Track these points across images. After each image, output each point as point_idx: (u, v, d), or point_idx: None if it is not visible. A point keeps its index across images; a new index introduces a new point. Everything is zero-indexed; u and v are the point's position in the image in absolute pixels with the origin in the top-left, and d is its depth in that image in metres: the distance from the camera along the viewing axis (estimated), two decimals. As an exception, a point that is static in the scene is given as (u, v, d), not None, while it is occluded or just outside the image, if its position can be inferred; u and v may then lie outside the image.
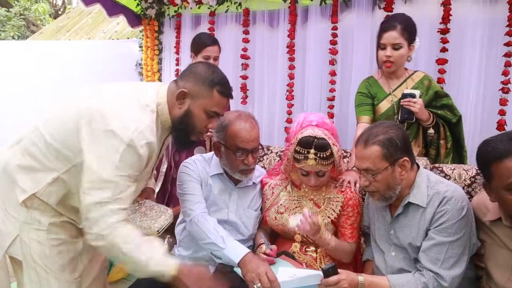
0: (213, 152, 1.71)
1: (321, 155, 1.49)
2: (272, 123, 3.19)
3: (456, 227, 1.30)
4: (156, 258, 1.21)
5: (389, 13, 2.58)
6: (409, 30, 1.86)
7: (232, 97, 1.41)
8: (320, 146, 1.49)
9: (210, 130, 1.41)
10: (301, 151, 1.50)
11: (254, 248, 1.74)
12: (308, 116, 1.59)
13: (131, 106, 1.25)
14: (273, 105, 3.17)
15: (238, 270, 1.46)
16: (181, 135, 1.37)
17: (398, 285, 1.31)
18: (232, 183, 1.71)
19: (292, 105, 3.03)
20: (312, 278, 1.35)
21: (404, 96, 1.86)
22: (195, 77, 1.30)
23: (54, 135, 1.25)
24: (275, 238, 1.76)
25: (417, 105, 1.82)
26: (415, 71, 2.01)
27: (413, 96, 1.84)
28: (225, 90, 1.34)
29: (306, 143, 1.50)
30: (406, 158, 1.35)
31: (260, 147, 1.65)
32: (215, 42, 2.40)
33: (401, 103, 1.88)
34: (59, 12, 11.26)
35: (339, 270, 1.30)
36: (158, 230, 1.41)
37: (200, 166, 1.71)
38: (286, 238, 1.69)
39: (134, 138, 1.18)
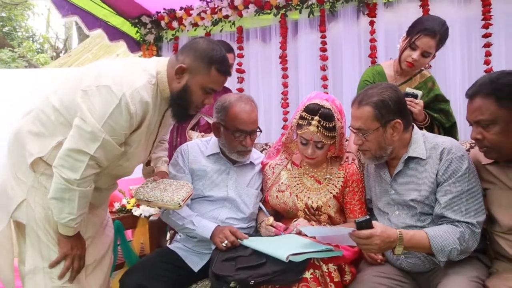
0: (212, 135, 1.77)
1: (324, 124, 1.52)
2: (269, 134, 3.24)
3: (468, 174, 1.33)
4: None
5: (373, 19, 2.79)
6: (443, 41, 1.85)
7: (230, 75, 1.47)
8: (325, 115, 1.52)
9: None
10: (305, 116, 1.54)
11: (257, 227, 1.74)
12: (320, 94, 1.63)
13: (130, 68, 1.32)
14: (269, 116, 3.24)
15: (245, 242, 1.48)
16: (179, 109, 1.42)
17: (437, 236, 1.28)
18: (229, 162, 1.74)
19: (288, 112, 3.13)
20: (342, 231, 1.32)
21: (406, 94, 1.82)
22: (194, 53, 1.36)
23: (63, 101, 1.31)
24: (279, 220, 1.75)
25: (418, 106, 1.81)
26: (421, 70, 2.01)
27: (415, 96, 1.82)
28: (223, 68, 1.39)
29: (312, 109, 1.53)
30: (398, 120, 1.39)
31: (258, 129, 1.70)
32: (230, 50, 2.46)
33: None
34: (60, 55, 11.72)
35: (374, 224, 1.22)
36: (179, 203, 1.41)
37: (194, 150, 1.75)
38: (289, 217, 1.69)
39: (127, 94, 1.23)
